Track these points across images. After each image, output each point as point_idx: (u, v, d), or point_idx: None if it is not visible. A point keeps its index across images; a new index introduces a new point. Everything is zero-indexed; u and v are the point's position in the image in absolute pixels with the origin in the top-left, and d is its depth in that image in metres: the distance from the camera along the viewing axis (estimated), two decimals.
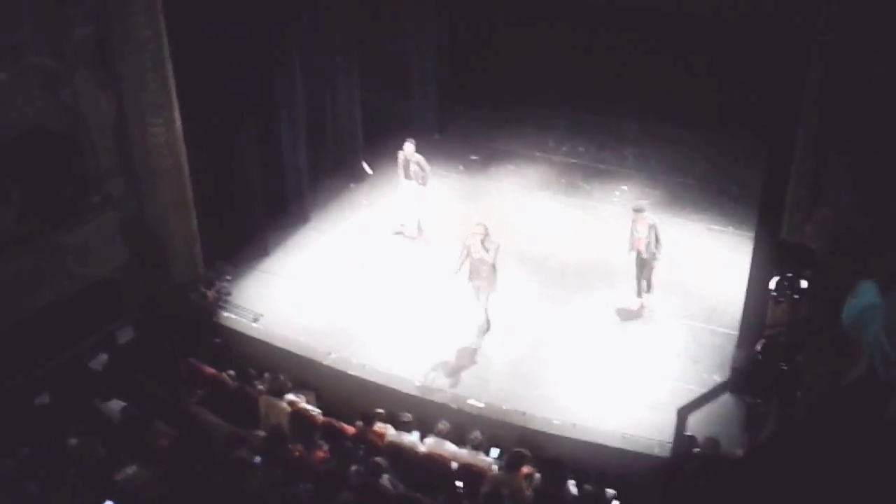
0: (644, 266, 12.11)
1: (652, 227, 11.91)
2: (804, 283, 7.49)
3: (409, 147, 13.78)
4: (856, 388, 2.42)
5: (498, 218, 14.45)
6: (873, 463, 1.92)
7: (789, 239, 9.03)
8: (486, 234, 11.37)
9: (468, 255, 11.45)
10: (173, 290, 12.11)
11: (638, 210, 12.07)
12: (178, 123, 11.70)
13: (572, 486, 9.37)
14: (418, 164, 13.78)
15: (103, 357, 10.93)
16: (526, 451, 9.81)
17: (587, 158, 16.26)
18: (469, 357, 11.60)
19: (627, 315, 12.34)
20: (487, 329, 11.88)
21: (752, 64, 13.65)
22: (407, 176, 13.89)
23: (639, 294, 12.34)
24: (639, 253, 12.04)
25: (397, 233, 14.31)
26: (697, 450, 9.18)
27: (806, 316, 7.80)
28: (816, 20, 8.66)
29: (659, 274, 12.33)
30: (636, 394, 10.88)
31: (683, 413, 8.59)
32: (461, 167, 16.06)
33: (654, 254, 11.91)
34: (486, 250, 11.32)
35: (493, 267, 11.49)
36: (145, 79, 11.28)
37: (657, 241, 11.87)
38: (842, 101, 8.28)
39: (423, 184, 13.90)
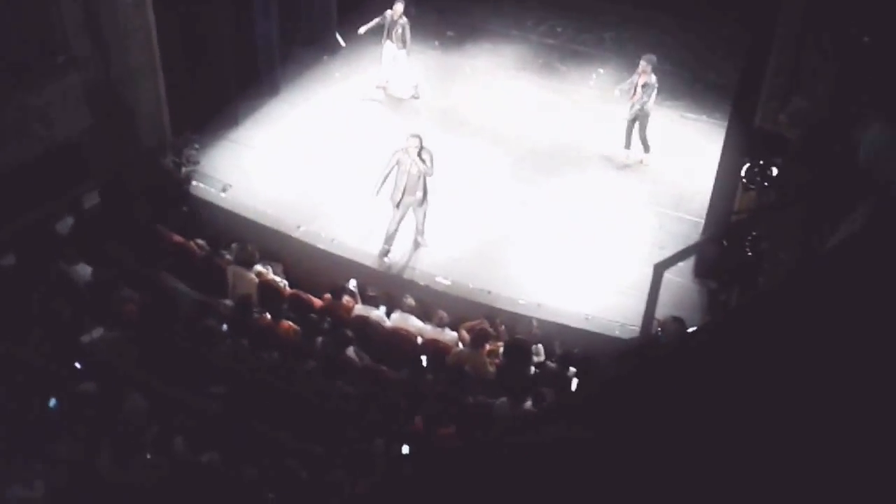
0: (636, 119, 12.66)
1: (649, 85, 12.40)
2: (774, 171, 7.52)
3: (398, 7, 13.69)
4: (846, 248, 2.43)
5: (472, 97, 14.38)
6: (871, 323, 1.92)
7: (763, 127, 9.02)
8: (422, 146, 10.71)
9: (400, 171, 10.74)
10: (140, 156, 11.91)
11: (649, 61, 12.43)
12: None
13: (537, 357, 9.57)
14: (403, 27, 13.65)
15: (69, 220, 10.81)
16: (490, 328, 9.98)
17: (564, 39, 16.03)
18: (438, 235, 11.62)
19: (621, 166, 12.99)
20: (425, 228, 11.35)
21: None
22: (388, 37, 13.79)
23: (627, 146, 12.96)
24: (632, 105, 12.58)
25: (378, 87, 14.31)
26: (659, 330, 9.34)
27: (774, 203, 7.87)
28: None
29: (634, 157, 12.88)
30: (602, 277, 11.02)
31: (660, 269, 8.63)
32: (436, 43, 15.77)
33: (644, 107, 12.50)
34: (424, 162, 10.68)
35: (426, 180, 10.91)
36: None
37: (649, 98, 12.46)
38: None
39: (403, 48, 13.82)
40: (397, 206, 10.92)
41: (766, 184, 7.64)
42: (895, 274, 2.05)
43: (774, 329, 2.04)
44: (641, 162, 12.95)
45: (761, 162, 7.72)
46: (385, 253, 11.20)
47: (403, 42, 13.82)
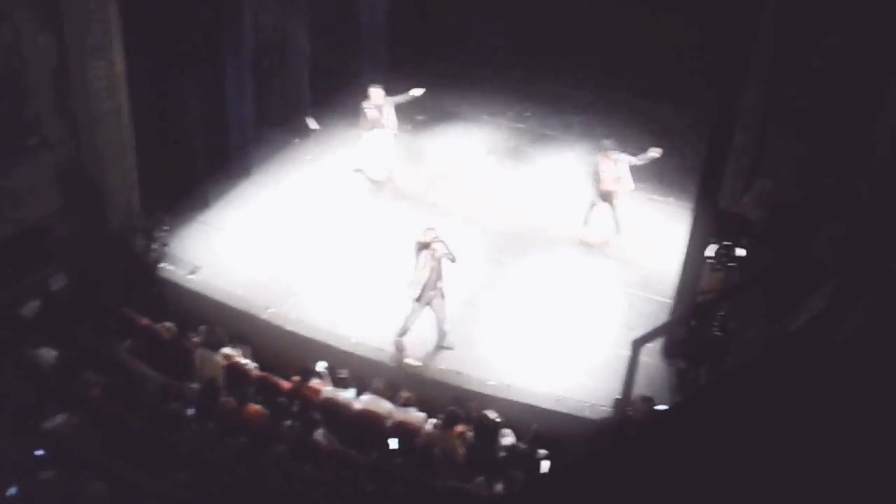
0: (606, 200, 12.91)
1: (618, 160, 12.72)
2: (741, 252, 7.63)
3: (379, 93, 13.76)
4: (809, 329, 2.47)
5: (443, 179, 14.52)
6: (831, 393, 1.94)
7: (728, 208, 9.17)
8: (437, 237, 10.71)
9: (421, 265, 10.68)
10: (110, 238, 11.86)
11: (605, 148, 12.77)
12: (121, 66, 11.39)
13: (506, 440, 9.48)
14: (393, 107, 13.81)
15: (35, 304, 10.69)
16: (460, 411, 9.90)
17: (533, 124, 16.33)
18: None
19: (590, 247, 13.08)
20: (447, 333, 11.15)
21: (699, 34, 13.78)
22: (379, 125, 13.82)
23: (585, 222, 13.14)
24: (604, 191, 12.84)
25: (357, 170, 14.40)
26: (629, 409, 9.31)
27: (740, 284, 7.95)
28: None
29: (598, 237, 13.04)
30: (571, 358, 11.00)
31: (638, 345, 8.59)
32: (408, 126, 15.97)
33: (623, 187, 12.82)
34: (447, 251, 10.71)
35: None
36: (88, 19, 10.94)
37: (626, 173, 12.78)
38: (788, 73, 8.39)
39: (391, 129, 13.95)
40: (418, 299, 10.78)
41: (732, 264, 7.73)
42: (856, 354, 2.08)
43: (742, 407, 2.05)
44: (607, 243, 13.04)
45: (728, 243, 7.83)
46: (400, 346, 10.98)
47: (392, 125, 13.90)
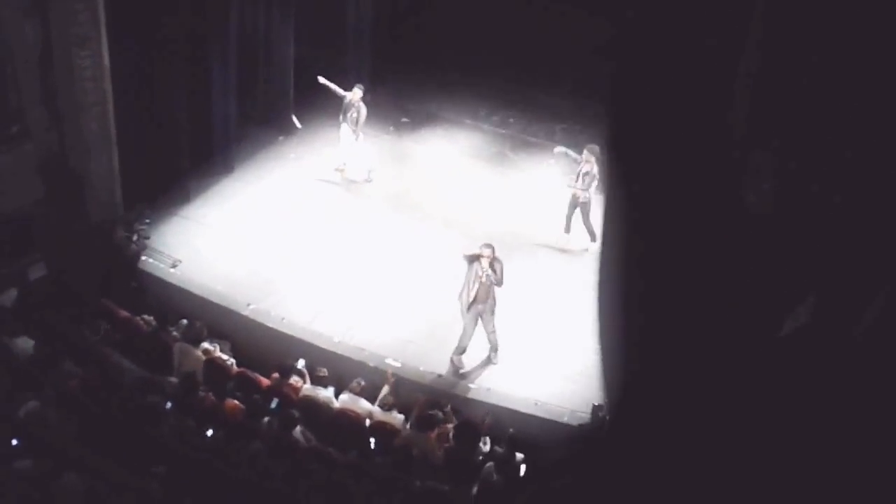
0: (576, 207, 12.98)
1: (590, 174, 12.71)
2: None
3: (357, 92, 13.91)
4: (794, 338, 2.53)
5: (425, 182, 14.56)
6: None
7: None
8: (494, 256, 10.55)
9: (472, 277, 10.58)
10: (90, 229, 11.79)
11: (591, 151, 12.75)
12: (106, 58, 11.34)
13: (484, 446, 9.51)
14: (358, 111, 13.86)
15: (13, 292, 10.61)
16: (439, 413, 9.92)
17: (517, 129, 16.37)
18: (389, 317, 11.61)
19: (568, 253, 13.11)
20: (498, 345, 11.06)
21: (683, 47, 13.82)
22: (344, 119, 13.99)
23: (567, 230, 13.22)
24: (573, 193, 12.96)
25: (337, 169, 14.41)
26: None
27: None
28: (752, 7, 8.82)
29: (577, 244, 13.08)
30: (551, 363, 11.04)
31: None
32: (391, 128, 16.02)
33: (584, 196, 12.83)
34: (495, 272, 10.54)
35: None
36: (74, 8, 10.89)
37: (589, 186, 12.76)
38: (772, 89, 8.46)
39: (355, 132, 14.00)
40: (467, 310, 10.71)
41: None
42: (837, 360, 2.14)
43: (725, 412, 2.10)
44: (586, 249, 13.10)
45: None
46: (458, 364, 10.89)
47: (356, 125, 13.99)
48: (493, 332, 10.89)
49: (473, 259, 10.58)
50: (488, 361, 11.00)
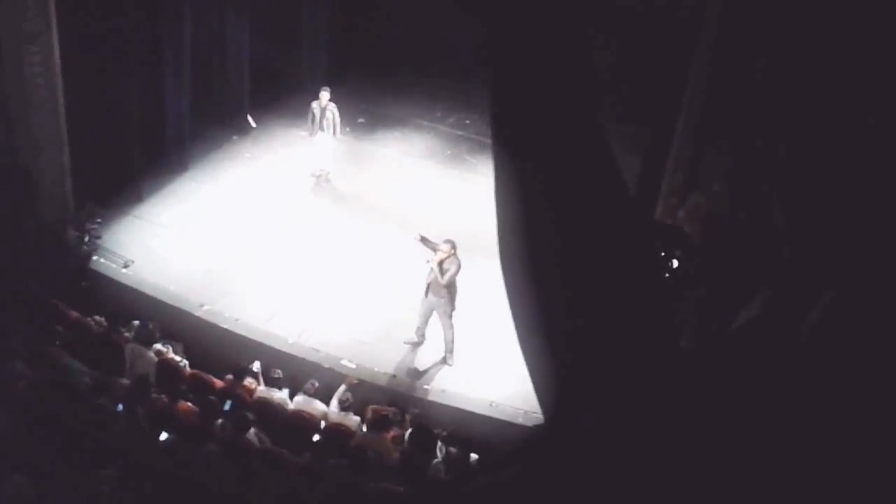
0: None
1: None
2: (674, 263, 7.82)
3: (324, 95, 13.84)
4: (746, 332, 2.55)
5: (381, 183, 14.54)
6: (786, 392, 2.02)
7: (663, 220, 9.38)
8: (450, 255, 10.58)
9: (432, 273, 10.66)
10: (40, 228, 11.60)
11: None
12: (57, 54, 11.17)
13: (440, 452, 9.51)
14: (332, 112, 13.82)
15: None
16: (393, 414, 9.91)
17: (473, 132, 16.39)
18: (345, 318, 11.58)
19: None
20: (453, 347, 11.08)
21: (639, 53, 14.01)
22: (320, 126, 13.91)
23: None
24: None
25: (317, 176, 14.34)
26: None
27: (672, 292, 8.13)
28: (703, 14, 8.99)
29: None
30: (506, 364, 11.06)
31: None
32: (347, 129, 15.95)
33: None
34: (442, 272, 10.55)
35: (451, 287, 10.74)
36: (24, 4, 10.72)
37: None
38: (724, 92, 8.63)
39: (335, 134, 13.97)
40: (425, 295, 10.78)
41: (665, 275, 7.92)
42: (792, 358, 2.17)
43: (677, 411, 2.12)
44: None
45: (662, 254, 8.02)
46: (413, 342, 11.10)
47: (334, 128, 13.96)
48: (450, 333, 10.91)
49: (429, 247, 10.68)
50: (444, 363, 11.01)
